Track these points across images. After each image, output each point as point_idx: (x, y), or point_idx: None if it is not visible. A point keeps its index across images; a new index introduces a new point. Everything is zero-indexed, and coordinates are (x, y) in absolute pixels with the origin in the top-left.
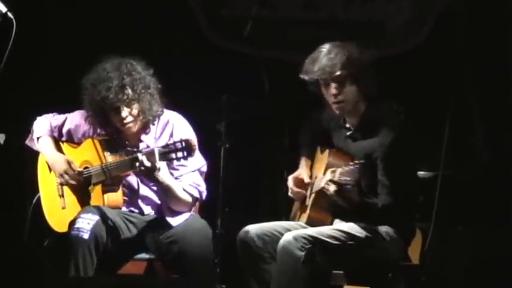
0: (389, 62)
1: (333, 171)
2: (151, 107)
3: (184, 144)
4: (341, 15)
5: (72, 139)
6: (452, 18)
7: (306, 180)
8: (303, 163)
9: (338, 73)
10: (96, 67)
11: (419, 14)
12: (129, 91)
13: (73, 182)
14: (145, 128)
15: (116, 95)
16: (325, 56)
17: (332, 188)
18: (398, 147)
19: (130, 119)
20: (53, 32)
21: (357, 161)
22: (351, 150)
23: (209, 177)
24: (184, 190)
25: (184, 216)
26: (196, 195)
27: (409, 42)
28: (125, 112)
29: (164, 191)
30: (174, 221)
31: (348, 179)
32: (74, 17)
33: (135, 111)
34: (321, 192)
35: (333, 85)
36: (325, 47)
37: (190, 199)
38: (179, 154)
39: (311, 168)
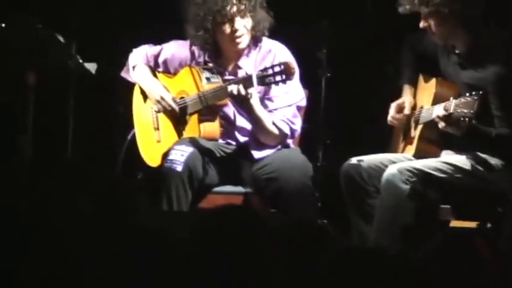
0: None
1: (448, 103)
2: (262, 22)
3: (282, 67)
4: None
5: (168, 69)
6: None
7: (408, 110)
8: (407, 91)
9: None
10: None
11: None
12: (246, 1)
13: (169, 108)
14: (248, 50)
15: (233, 5)
16: None
17: (446, 121)
18: None
19: (243, 31)
20: None
21: (474, 93)
22: (460, 77)
23: (309, 109)
24: (274, 124)
25: (268, 151)
26: (286, 131)
27: None
28: (239, 23)
29: (254, 121)
30: (258, 154)
31: (465, 111)
32: None
33: (248, 25)
34: (430, 124)
35: (427, 19)
36: None
37: (277, 133)
38: (278, 78)
39: (414, 96)
